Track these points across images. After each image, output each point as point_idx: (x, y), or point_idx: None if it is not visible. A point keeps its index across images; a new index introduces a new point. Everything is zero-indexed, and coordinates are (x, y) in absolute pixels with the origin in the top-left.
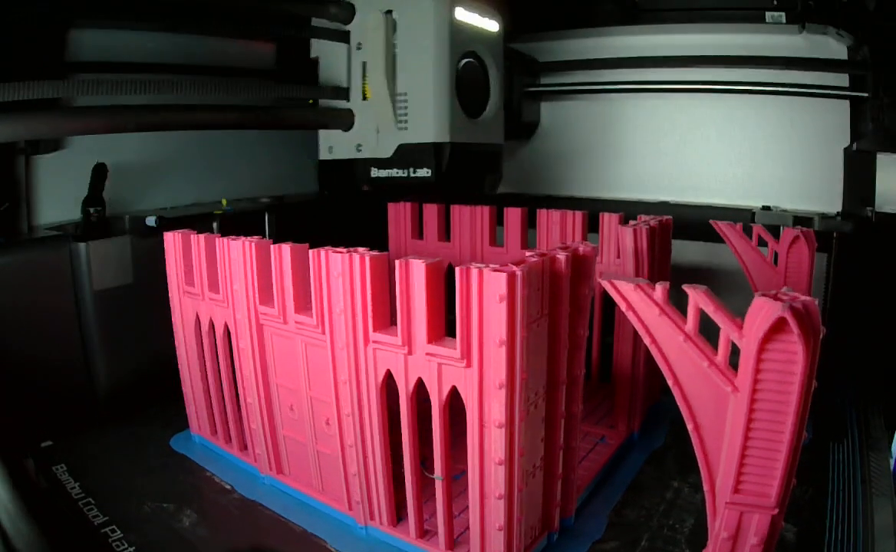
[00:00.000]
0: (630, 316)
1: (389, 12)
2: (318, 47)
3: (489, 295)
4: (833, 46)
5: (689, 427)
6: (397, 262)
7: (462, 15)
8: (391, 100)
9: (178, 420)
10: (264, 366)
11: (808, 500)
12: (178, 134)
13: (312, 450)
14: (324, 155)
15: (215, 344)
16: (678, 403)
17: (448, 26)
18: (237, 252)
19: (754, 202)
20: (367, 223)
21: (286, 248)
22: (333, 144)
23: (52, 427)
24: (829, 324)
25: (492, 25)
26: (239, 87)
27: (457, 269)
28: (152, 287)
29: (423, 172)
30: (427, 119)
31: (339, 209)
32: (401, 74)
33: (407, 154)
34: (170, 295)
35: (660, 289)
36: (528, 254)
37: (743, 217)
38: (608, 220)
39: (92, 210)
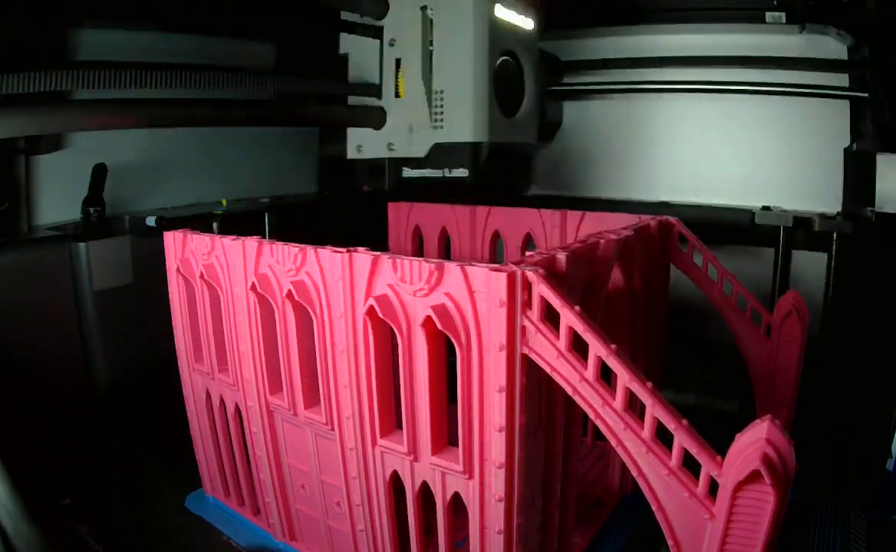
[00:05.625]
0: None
1: (425, 8)
2: (348, 43)
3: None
4: (833, 46)
5: (670, 543)
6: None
7: (501, 12)
8: (427, 98)
9: (192, 477)
10: (276, 448)
11: None
12: (179, 134)
13: (324, 525)
14: (352, 154)
15: (226, 418)
16: (661, 525)
17: (488, 23)
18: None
19: (754, 202)
20: (367, 223)
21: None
22: (363, 143)
23: (52, 426)
24: (828, 327)
25: (528, 23)
26: (264, 82)
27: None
28: (152, 287)
29: (460, 172)
30: (465, 118)
31: (339, 209)
32: (438, 72)
33: (442, 153)
34: (180, 370)
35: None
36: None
37: (743, 217)
38: None
39: (92, 210)
